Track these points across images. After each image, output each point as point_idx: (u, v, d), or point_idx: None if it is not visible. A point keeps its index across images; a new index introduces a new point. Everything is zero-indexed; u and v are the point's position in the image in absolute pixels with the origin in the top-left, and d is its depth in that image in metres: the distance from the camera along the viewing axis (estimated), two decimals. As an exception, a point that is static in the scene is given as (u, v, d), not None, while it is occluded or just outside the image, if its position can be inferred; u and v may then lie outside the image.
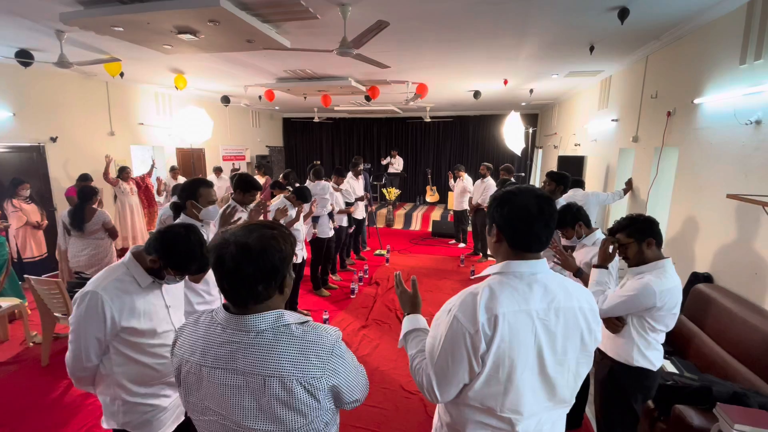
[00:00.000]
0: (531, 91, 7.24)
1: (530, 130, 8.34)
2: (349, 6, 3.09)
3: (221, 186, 7.57)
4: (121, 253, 5.74)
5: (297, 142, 12.86)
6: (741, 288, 2.70)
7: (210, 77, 6.25)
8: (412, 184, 11.93)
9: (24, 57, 4.30)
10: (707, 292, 2.83)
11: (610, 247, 1.96)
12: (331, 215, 4.93)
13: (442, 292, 5.08)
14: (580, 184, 4.61)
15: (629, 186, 4.54)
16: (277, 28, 3.58)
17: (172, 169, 7.02)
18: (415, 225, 9.18)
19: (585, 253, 2.48)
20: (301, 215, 4.03)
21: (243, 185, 3.07)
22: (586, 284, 2.06)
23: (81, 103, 6.02)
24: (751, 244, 2.64)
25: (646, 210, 4.05)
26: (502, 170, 5.84)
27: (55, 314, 3.31)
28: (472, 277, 1.35)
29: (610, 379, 1.98)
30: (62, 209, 4.85)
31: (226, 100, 7.71)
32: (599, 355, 2.04)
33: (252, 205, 3.09)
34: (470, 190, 6.87)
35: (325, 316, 3.99)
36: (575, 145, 6.92)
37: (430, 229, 8.54)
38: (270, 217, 3.67)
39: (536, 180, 10.51)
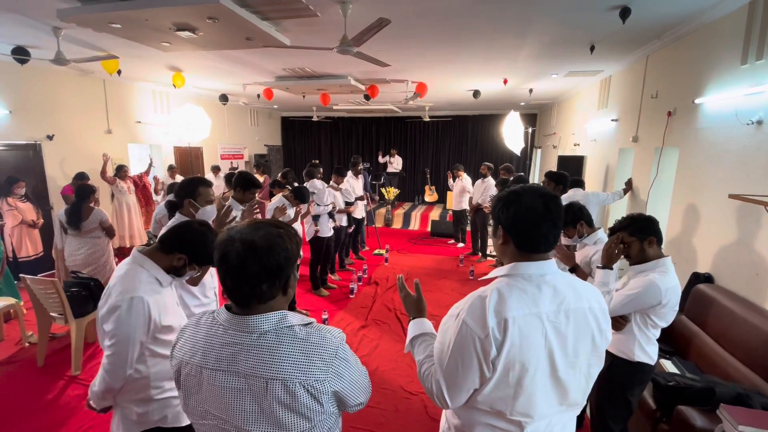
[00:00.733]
0: (530, 90, 7.23)
1: (529, 130, 8.34)
2: (349, 4, 3.07)
3: (218, 185, 7.53)
4: (118, 252, 5.71)
5: (295, 141, 12.82)
6: (742, 288, 2.70)
7: (208, 75, 6.21)
8: (411, 183, 11.92)
9: (20, 54, 4.26)
10: (708, 292, 2.82)
11: (617, 249, 1.98)
12: (332, 214, 4.90)
13: (442, 292, 5.06)
14: (580, 184, 4.59)
15: (629, 186, 4.54)
16: (277, 25, 3.55)
17: (170, 168, 6.98)
18: (414, 225, 9.17)
19: (586, 253, 2.47)
20: (299, 216, 4.01)
21: (243, 183, 3.04)
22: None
23: (78, 101, 5.97)
24: (753, 244, 2.63)
25: (646, 210, 4.04)
26: (502, 170, 5.83)
27: (51, 314, 3.28)
28: (480, 279, 1.34)
29: (610, 374, 1.99)
30: (58, 208, 4.82)
31: (224, 98, 7.67)
32: None
33: (247, 208, 3.06)
34: (469, 190, 6.86)
35: (325, 316, 3.97)
36: (574, 145, 6.92)
37: (429, 228, 8.52)
38: (268, 216, 3.65)
39: (535, 180, 10.51)
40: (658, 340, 2.01)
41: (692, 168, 3.40)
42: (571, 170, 5.15)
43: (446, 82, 6.55)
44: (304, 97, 7.51)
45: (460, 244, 7.42)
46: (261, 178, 7.75)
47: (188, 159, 8.24)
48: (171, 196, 3.89)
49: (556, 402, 1.06)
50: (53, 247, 4.26)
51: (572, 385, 1.06)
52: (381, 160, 10.60)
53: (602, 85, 5.80)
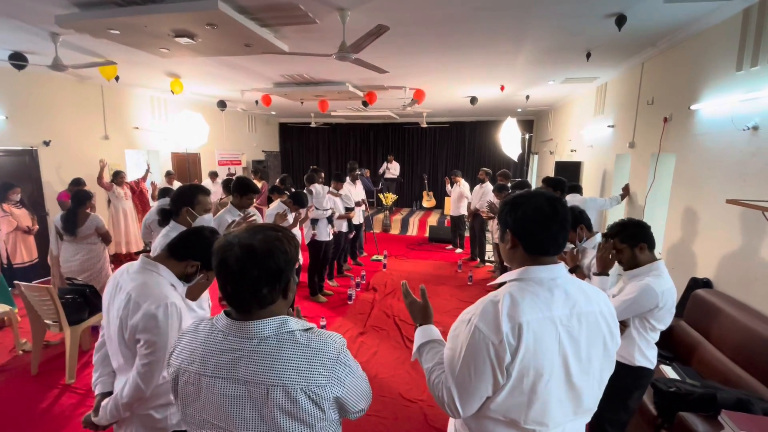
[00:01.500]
0: (527, 97, 7.28)
1: (526, 136, 8.38)
2: (348, 11, 3.09)
3: (215, 191, 7.51)
4: (114, 258, 5.66)
5: (293, 147, 12.83)
6: (741, 294, 2.70)
7: (206, 81, 6.21)
8: (409, 189, 11.93)
9: (18, 59, 4.25)
10: (707, 297, 2.82)
11: (609, 255, 2.00)
12: (330, 220, 4.89)
13: (440, 297, 5.04)
14: (577, 189, 4.61)
15: (626, 191, 4.56)
16: (276, 32, 3.57)
17: (168, 174, 6.96)
18: (412, 230, 9.16)
19: (587, 256, 2.47)
20: (297, 222, 4.00)
21: (241, 188, 3.03)
22: None
23: (75, 107, 5.96)
24: (751, 249, 2.64)
25: (643, 215, 4.06)
26: (500, 176, 5.85)
27: (45, 321, 3.23)
28: (489, 284, 1.34)
29: (610, 379, 1.98)
30: (54, 214, 4.79)
31: (222, 104, 7.68)
32: None
33: (238, 219, 3.02)
34: (467, 196, 6.86)
35: (323, 323, 3.94)
36: (571, 151, 6.96)
37: (427, 234, 8.51)
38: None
39: (532, 186, 10.54)
40: (658, 346, 2.02)
41: (689, 173, 3.42)
42: (568, 176, 5.18)
43: (444, 88, 6.59)
44: (302, 103, 7.53)
45: (458, 250, 7.42)
46: (259, 184, 7.73)
47: (186, 165, 8.22)
48: (162, 201, 3.89)
49: (570, 409, 1.05)
50: (49, 254, 4.23)
51: (586, 391, 1.05)
52: (380, 171, 10.60)
53: (598, 92, 5.85)
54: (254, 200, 3.19)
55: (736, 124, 2.78)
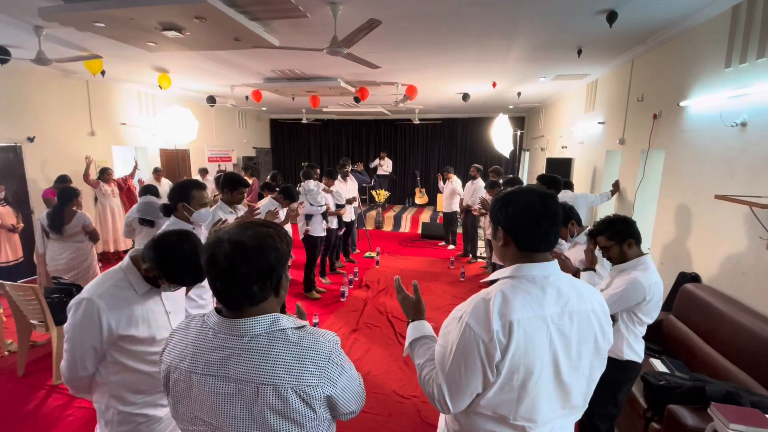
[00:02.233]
0: (519, 94, 7.30)
1: (518, 133, 8.42)
2: (339, 5, 3.05)
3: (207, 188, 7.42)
4: (102, 257, 5.57)
5: (284, 143, 12.73)
6: (729, 288, 2.74)
7: (195, 76, 6.12)
8: (402, 186, 11.92)
9: (0, 53, 4.13)
10: (695, 291, 2.86)
11: (593, 253, 2.07)
12: (324, 215, 4.87)
13: (433, 294, 5.05)
14: (568, 185, 4.64)
15: (616, 187, 4.60)
16: (266, 26, 3.51)
17: (156, 171, 6.85)
18: (405, 227, 9.16)
19: (578, 251, 2.49)
20: (290, 218, 3.96)
21: (230, 183, 3.01)
22: None
23: (60, 102, 5.82)
24: (738, 244, 2.68)
25: (633, 211, 4.10)
26: (491, 172, 5.87)
27: (31, 321, 3.17)
28: (482, 282, 1.35)
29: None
30: (39, 212, 4.67)
31: (211, 100, 7.57)
32: None
33: (240, 214, 3.03)
34: (459, 192, 6.88)
35: (315, 321, 3.92)
36: (562, 148, 7.00)
37: (419, 231, 8.53)
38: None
39: (523, 182, 10.60)
40: (647, 340, 2.05)
41: (678, 169, 3.46)
42: (559, 172, 5.21)
43: (436, 84, 6.57)
44: (293, 99, 7.46)
45: (451, 246, 7.43)
46: (249, 181, 7.67)
47: (175, 162, 8.11)
48: (144, 199, 3.83)
49: (559, 406, 1.05)
50: (35, 252, 4.13)
51: (575, 388, 1.05)
52: (372, 165, 10.59)
53: (589, 89, 5.88)
54: (245, 194, 3.16)
55: (724, 121, 2.81)
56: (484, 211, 4.97)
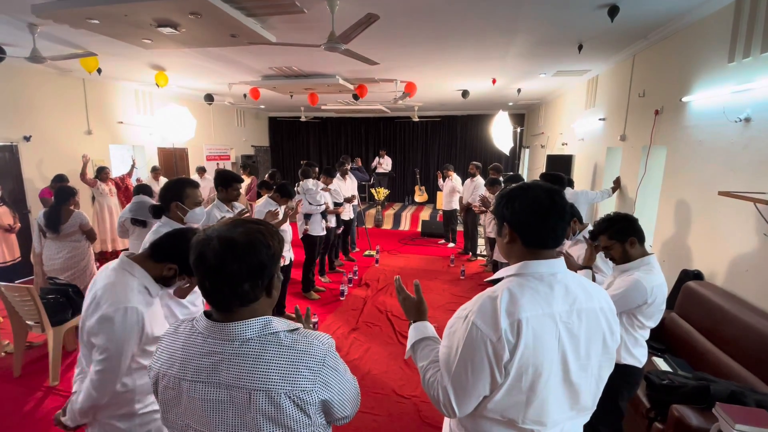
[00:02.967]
0: (518, 90, 7.26)
1: (518, 130, 8.37)
2: (336, 0, 3.00)
3: (205, 186, 7.38)
4: (99, 256, 5.53)
5: (283, 141, 12.68)
6: (732, 285, 2.71)
7: (192, 74, 6.07)
8: (401, 184, 11.88)
9: (-6, 51, 4.08)
10: (698, 289, 2.83)
11: (591, 252, 2.01)
12: (324, 215, 4.84)
13: (434, 292, 5.02)
14: (569, 182, 4.61)
15: (617, 184, 4.57)
16: (262, 22, 3.47)
17: (154, 170, 6.80)
18: (405, 225, 9.13)
19: (580, 249, 2.46)
20: (288, 218, 3.92)
21: (223, 181, 2.99)
22: None
23: (56, 101, 5.78)
24: (742, 241, 2.65)
25: (634, 208, 4.07)
26: (491, 170, 5.83)
27: (27, 322, 3.14)
28: (486, 280, 1.34)
29: None
30: (36, 211, 4.64)
31: (209, 98, 7.52)
32: None
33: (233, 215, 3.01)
34: (459, 190, 6.84)
35: (314, 320, 3.89)
36: (562, 145, 6.96)
37: (419, 229, 8.50)
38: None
39: (524, 179, 10.55)
40: (649, 338, 1.98)
41: (680, 165, 3.42)
42: (559, 169, 5.19)
43: (435, 81, 6.53)
44: (291, 96, 7.41)
45: (451, 244, 7.41)
46: (248, 180, 7.63)
47: (173, 160, 8.06)
48: (137, 199, 3.79)
49: (567, 407, 1.02)
50: (31, 251, 4.10)
51: (584, 388, 1.02)
52: (373, 165, 10.54)
53: (589, 85, 5.84)
54: (240, 189, 3.13)
55: (728, 116, 2.77)
56: (484, 208, 4.94)
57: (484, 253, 6.49)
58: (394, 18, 3.43)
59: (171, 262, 1.39)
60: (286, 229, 3.94)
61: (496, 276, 1.10)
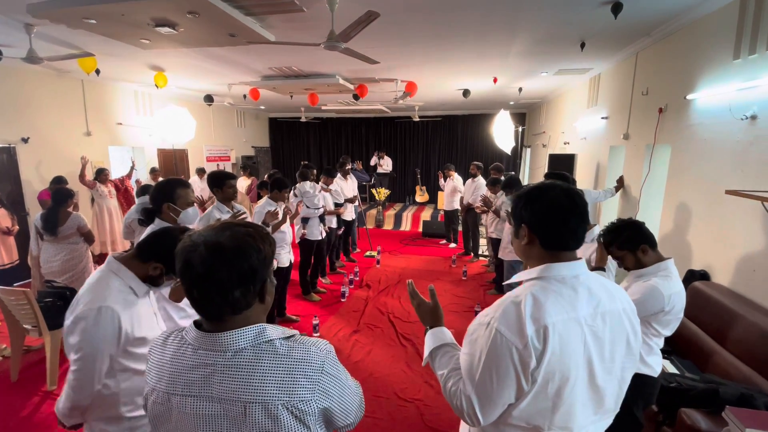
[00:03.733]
0: (520, 89, 7.21)
1: (520, 129, 8.33)
2: (336, -2, 2.96)
3: (204, 188, 7.33)
4: (99, 259, 5.50)
5: (284, 142, 12.65)
6: (740, 285, 2.67)
7: (192, 75, 6.04)
8: (402, 184, 11.84)
9: (-10, 52, 4.06)
10: (705, 289, 2.78)
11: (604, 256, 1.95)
12: (322, 218, 4.78)
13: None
14: (572, 182, 4.56)
15: (620, 183, 4.52)
16: (261, 21, 3.43)
17: (153, 171, 6.77)
18: (406, 225, 9.09)
19: (584, 249, 2.42)
20: (288, 218, 3.89)
21: (216, 182, 2.97)
22: None
23: (55, 102, 5.75)
24: (749, 240, 2.60)
25: (638, 207, 4.02)
26: (492, 169, 5.78)
27: (24, 326, 3.10)
28: (505, 283, 1.32)
29: None
30: (35, 213, 4.60)
31: (209, 99, 7.49)
32: None
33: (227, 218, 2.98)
34: (460, 190, 6.80)
35: (315, 322, 3.85)
36: (564, 144, 6.91)
37: (420, 229, 8.45)
38: (257, 221, 3.52)
39: (525, 179, 10.52)
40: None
41: (685, 164, 3.38)
42: (562, 168, 5.13)
43: (436, 80, 6.49)
44: (291, 97, 7.38)
45: (452, 245, 7.36)
46: (248, 181, 7.60)
47: (173, 161, 8.03)
48: (142, 200, 3.76)
49: (592, 411, 1.00)
50: (29, 254, 4.07)
51: (608, 391, 1.00)
52: (372, 162, 10.52)
53: (591, 84, 5.79)
54: (236, 186, 3.11)
55: (734, 113, 2.72)
56: (485, 208, 4.90)
57: (486, 253, 6.45)
58: (394, 16, 3.39)
59: (156, 261, 1.36)
60: (286, 230, 3.90)
61: (514, 280, 1.07)
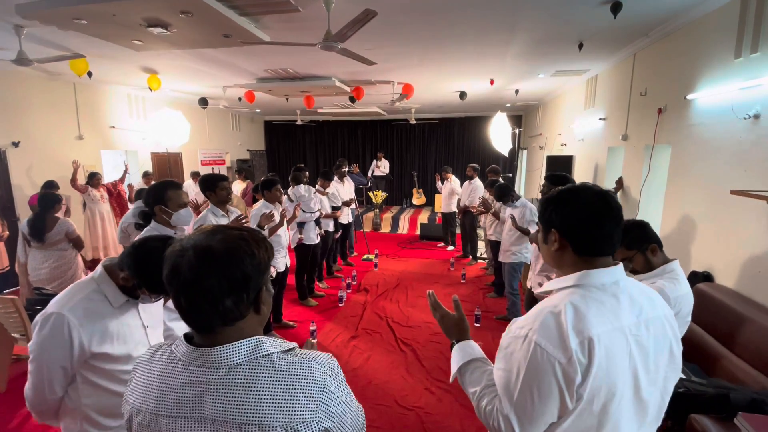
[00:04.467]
0: (516, 91, 7.20)
1: (516, 131, 8.32)
2: (332, -3, 2.91)
3: (199, 192, 7.23)
4: (92, 264, 5.39)
5: (279, 145, 12.58)
6: (744, 287, 2.63)
7: (186, 77, 5.96)
8: (399, 186, 11.80)
9: (-22, 54, 3.97)
10: (709, 291, 2.74)
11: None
12: (318, 222, 4.70)
13: (433, 297, 4.91)
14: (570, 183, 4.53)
15: (619, 185, 4.49)
16: (256, 22, 3.38)
17: (146, 175, 6.67)
18: (403, 228, 9.03)
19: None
20: (285, 220, 3.82)
21: (208, 185, 2.93)
22: None
23: (46, 106, 5.65)
24: (753, 241, 2.56)
25: (638, 208, 3.99)
26: (489, 172, 5.75)
27: (12, 334, 3.00)
28: (538, 293, 1.27)
29: None
30: (25, 219, 4.50)
31: (203, 101, 7.41)
32: None
33: (233, 216, 2.95)
34: (458, 192, 6.76)
35: (312, 328, 3.77)
36: (561, 145, 6.90)
37: (417, 232, 8.40)
38: (253, 224, 3.45)
39: (521, 181, 10.51)
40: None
41: (686, 164, 3.35)
42: (560, 170, 5.10)
43: (433, 82, 6.45)
44: (287, 99, 7.32)
45: (450, 247, 7.31)
46: (243, 185, 7.52)
47: (167, 165, 7.93)
48: (139, 204, 3.68)
49: (636, 425, 0.93)
50: (16, 261, 3.96)
51: (652, 403, 0.94)
52: (370, 169, 10.45)
53: (588, 85, 5.78)
54: (229, 188, 3.07)
55: (736, 113, 2.69)
56: (483, 209, 4.85)
57: (485, 256, 6.40)
58: (391, 16, 3.35)
59: (128, 270, 1.25)
60: (282, 233, 3.83)
61: (548, 287, 1.00)
